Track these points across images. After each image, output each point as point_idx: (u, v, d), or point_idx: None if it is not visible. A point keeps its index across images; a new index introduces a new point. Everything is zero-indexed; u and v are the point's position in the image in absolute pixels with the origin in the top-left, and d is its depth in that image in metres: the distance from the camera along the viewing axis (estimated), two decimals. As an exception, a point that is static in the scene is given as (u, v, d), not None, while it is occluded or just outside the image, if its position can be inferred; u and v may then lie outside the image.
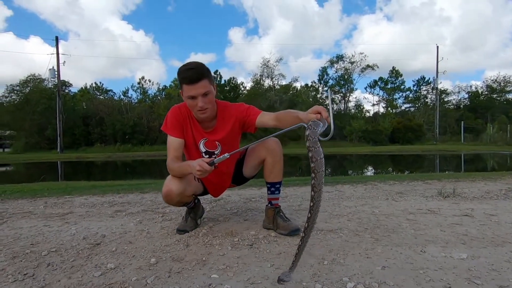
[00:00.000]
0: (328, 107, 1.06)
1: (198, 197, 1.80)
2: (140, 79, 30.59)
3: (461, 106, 32.89)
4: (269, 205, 1.68)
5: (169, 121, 1.57)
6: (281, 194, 1.74)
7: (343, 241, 1.46)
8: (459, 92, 33.73)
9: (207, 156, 1.59)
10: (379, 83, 33.70)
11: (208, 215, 1.98)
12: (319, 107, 1.14)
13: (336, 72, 31.51)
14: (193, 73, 1.39)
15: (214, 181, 1.71)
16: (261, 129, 1.66)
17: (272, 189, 1.67)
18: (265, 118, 1.52)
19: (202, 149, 1.60)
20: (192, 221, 1.71)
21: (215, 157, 1.36)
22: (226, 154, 1.30)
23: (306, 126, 0.93)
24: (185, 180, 1.55)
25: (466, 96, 33.69)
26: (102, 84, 31.43)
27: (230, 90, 29.57)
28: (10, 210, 2.28)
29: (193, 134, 1.59)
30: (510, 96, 31.63)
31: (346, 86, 31.31)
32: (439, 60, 24.93)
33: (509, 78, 30.99)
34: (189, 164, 1.38)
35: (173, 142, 1.55)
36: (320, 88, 31.68)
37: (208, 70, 1.45)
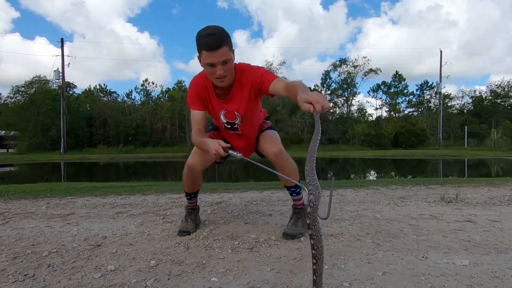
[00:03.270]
0: (328, 199, 0.96)
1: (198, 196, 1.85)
2: (143, 81, 30.83)
3: (465, 111, 32.74)
4: (292, 204, 1.74)
5: (190, 95, 1.59)
6: (300, 195, 1.70)
7: (344, 245, 1.45)
8: (462, 96, 33.61)
9: (229, 126, 1.62)
10: (382, 87, 33.66)
11: (209, 218, 1.98)
12: (314, 98, 0.97)
13: (339, 75, 31.53)
14: (213, 39, 1.32)
15: (242, 147, 1.70)
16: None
17: (289, 191, 1.70)
18: (277, 86, 1.42)
19: (223, 120, 1.60)
20: (192, 222, 1.72)
21: (232, 151, 1.38)
22: (239, 155, 1.34)
23: (307, 190, 0.84)
24: (208, 158, 1.59)
25: (470, 101, 33.56)
26: (106, 85, 31.70)
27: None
28: (13, 210, 2.29)
29: (213, 105, 1.59)
30: (514, 101, 31.43)
31: (349, 89, 31.30)
32: (443, 64, 24.87)
33: (514, 83, 30.83)
34: (208, 144, 1.40)
35: (195, 115, 1.58)
36: (323, 92, 31.66)
37: (228, 36, 1.38)
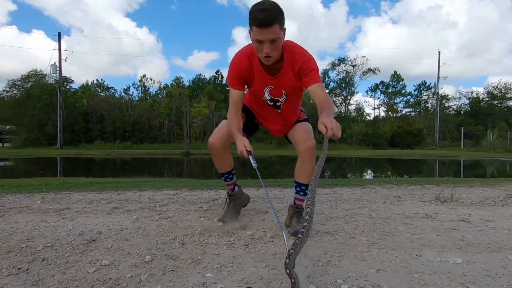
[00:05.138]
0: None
1: (240, 186, 1.95)
2: (141, 77, 30.75)
3: (462, 112, 32.92)
4: (292, 203, 1.73)
5: (231, 72, 1.55)
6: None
7: (339, 243, 1.46)
8: (460, 97, 33.80)
9: (272, 103, 1.62)
10: (380, 86, 33.75)
11: (205, 214, 1.98)
12: (330, 124, 1.17)
13: (337, 74, 31.55)
14: (265, 16, 1.29)
15: (273, 119, 1.74)
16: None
17: (298, 189, 1.68)
18: (315, 91, 1.44)
19: (267, 96, 1.59)
20: (231, 211, 1.78)
21: (252, 157, 1.46)
22: (254, 164, 1.44)
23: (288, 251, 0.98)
24: (229, 137, 1.66)
25: (467, 102, 33.75)
26: (104, 81, 31.54)
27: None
28: (7, 205, 2.28)
29: (256, 82, 1.55)
30: (510, 103, 31.69)
31: (347, 89, 31.34)
32: (441, 65, 24.95)
33: (510, 85, 31.07)
34: (237, 141, 1.51)
35: (234, 95, 1.57)
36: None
37: (281, 13, 1.34)
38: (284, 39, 1.45)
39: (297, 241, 0.99)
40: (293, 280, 0.89)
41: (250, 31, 1.39)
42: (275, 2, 1.34)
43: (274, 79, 1.53)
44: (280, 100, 1.59)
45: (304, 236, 1.02)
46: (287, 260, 0.93)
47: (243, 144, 1.47)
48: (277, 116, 1.69)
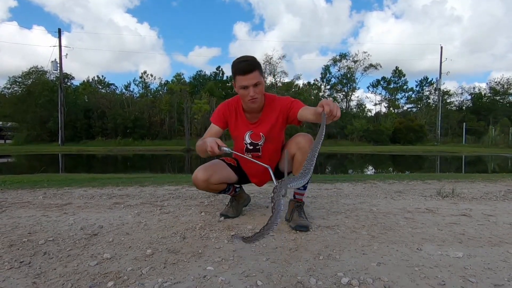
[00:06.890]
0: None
1: (242, 185, 1.95)
2: (142, 73, 30.70)
3: (464, 107, 32.75)
4: (292, 197, 1.74)
5: (216, 113, 1.75)
6: (306, 192, 1.75)
7: (340, 237, 1.46)
8: (462, 93, 33.58)
9: (251, 147, 1.73)
10: (381, 82, 33.60)
11: (205, 209, 1.99)
12: (326, 101, 1.24)
13: (339, 70, 31.41)
14: (246, 65, 1.50)
15: (257, 173, 1.81)
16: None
17: None
18: (305, 112, 1.54)
19: (247, 140, 1.72)
20: (234, 208, 1.81)
21: (226, 147, 1.47)
22: (228, 150, 1.46)
23: (275, 183, 1.04)
24: (211, 169, 1.69)
25: (469, 97, 33.55)
26: (104, 77, 31.52)
27: (232, 86, 29.49)
28: (10, 200, 2.29)
29: (239, 127, 1.72)
30: (513, 99, 31.46)
31: (349, 85, 31.22)
32: (443, 61, 24.77)
33: (513, 80, 30.82)
34: (205, 141, 1.49)
35: (212, 128, 1.72)
36: (322, 87, 31.60)
37: (259, 64, 1.56)
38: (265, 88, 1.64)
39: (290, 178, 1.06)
40: (273, 210, 0.98)
41: (234, 83, 1.59)
42: (252, 56, 1.56)
43: (253, 124, 1.70)
44: (259, 143, 1.71)
45: (301, 175, 1.07)
46: (272, 194, 1.00)
47: (214, 141, 1.45)
48: (256, 167, 1.72)
